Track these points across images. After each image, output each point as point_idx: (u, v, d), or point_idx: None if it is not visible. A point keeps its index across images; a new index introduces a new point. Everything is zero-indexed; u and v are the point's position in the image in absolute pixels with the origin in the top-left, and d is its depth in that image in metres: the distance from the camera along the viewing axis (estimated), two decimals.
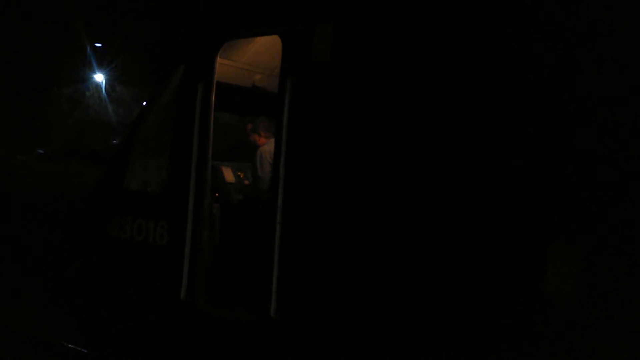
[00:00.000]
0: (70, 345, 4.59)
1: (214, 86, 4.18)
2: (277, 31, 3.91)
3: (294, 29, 3.78)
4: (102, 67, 31.75)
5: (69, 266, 5.13)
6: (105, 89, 32.65)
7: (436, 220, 3.23)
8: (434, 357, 3.20)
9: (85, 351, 4.51)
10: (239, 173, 5.79)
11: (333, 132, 3.58)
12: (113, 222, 4.66)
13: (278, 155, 3.76)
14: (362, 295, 3.43)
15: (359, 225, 3.45)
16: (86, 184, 5.60)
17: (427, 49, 3.34)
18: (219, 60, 4.41)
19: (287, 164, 3.71)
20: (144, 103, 5.14)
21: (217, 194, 5.33)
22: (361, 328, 3.43)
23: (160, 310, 4.30)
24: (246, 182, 5.80)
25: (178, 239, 4.19)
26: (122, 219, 4.59)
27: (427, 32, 3.36)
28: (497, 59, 3.16)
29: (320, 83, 3.66)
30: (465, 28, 3.25)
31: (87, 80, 32.38)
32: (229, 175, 5.70)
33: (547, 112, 2.99)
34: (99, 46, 30.84)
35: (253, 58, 5.30)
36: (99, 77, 32.65)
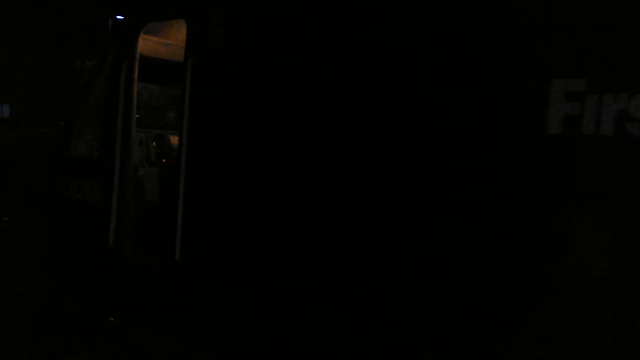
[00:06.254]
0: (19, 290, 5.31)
1: (137, 62, 4.78)
2: (183, 15, 4.50)
3: (196, 13, 4.36)
4: None
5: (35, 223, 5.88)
6: None
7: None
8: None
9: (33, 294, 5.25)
10: None
11: (226, 105, 4.16)
12: (61, 182, 5.36)
13: (181, 125, 4.36)
14: (254, 242, 4.02)
15: (250, 184, 4.02)
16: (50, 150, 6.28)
17: (304, 37, 3.81)
18: (155, 39, 5.00)
19: (189, 132, 4.32)
20: (86, 79, 5.77)
21: (163, 160, 6.00)
22: (255, 271, 4.02)
23: (96, 258, 5.02)
24: None
25: (107, 197, 4.88)
26: (66, 179, 5.28)
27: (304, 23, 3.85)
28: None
29: (215, 62, 4.24)
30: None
31: None
32: (175, 142, 6.33)
33: None
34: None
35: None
36: None
